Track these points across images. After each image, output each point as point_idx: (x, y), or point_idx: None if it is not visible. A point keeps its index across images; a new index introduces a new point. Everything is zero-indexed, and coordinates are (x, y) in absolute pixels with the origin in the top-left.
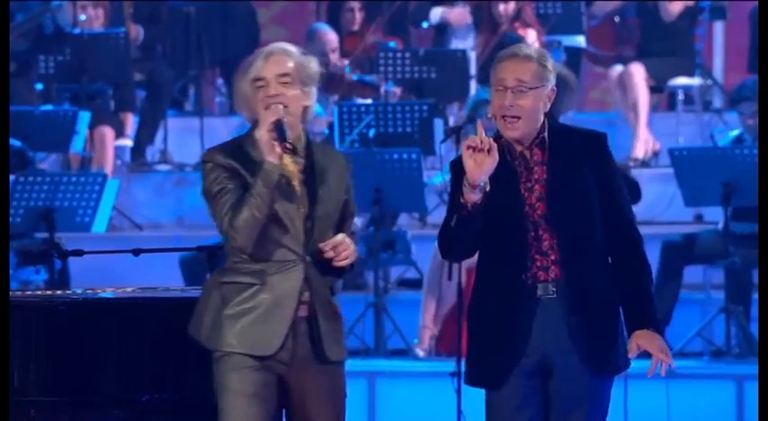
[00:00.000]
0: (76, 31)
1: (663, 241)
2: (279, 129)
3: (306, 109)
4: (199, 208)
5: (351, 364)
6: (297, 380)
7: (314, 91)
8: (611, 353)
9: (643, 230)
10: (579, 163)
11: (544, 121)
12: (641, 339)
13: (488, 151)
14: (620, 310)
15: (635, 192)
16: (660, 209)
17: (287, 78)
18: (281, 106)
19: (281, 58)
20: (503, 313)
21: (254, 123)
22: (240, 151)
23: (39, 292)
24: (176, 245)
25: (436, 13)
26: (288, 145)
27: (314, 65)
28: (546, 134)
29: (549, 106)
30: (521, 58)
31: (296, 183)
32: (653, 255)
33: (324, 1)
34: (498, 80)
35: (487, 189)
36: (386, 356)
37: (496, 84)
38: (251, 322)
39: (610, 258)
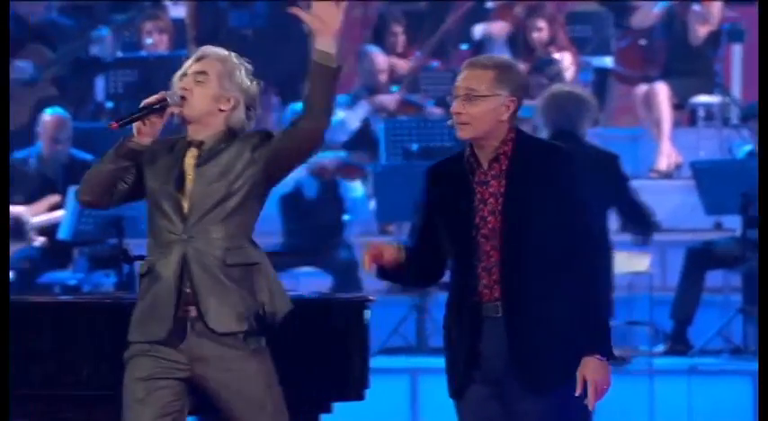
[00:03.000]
0: (143, 53)
1: (687, 248)
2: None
3: (225, 113)
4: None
5: (395, 361)
6: (204, 380)
7: (240, 103)
8: (552, 373)
9: (666, 237)
10: (538, 176)
11: (509, 132)
12: (586, 368)
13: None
14: (568, 331)
15: (644, 222)
16: (682, 217)
17: (202, 76)
18: (173, 95)
19: (208, 61)
20: (457, 332)
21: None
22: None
23: (108, 294)
24: None
25: (479, 29)
26: (114, 123)
27: (250, 82)
28: (509, 146)
29: (510, 114)
30: (476, 66)
31: (189, 172)
32: (677, 260)
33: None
34: (455, 88)
35: None
36: (427, 354)
37: (455, 91)
38: (141, 312)
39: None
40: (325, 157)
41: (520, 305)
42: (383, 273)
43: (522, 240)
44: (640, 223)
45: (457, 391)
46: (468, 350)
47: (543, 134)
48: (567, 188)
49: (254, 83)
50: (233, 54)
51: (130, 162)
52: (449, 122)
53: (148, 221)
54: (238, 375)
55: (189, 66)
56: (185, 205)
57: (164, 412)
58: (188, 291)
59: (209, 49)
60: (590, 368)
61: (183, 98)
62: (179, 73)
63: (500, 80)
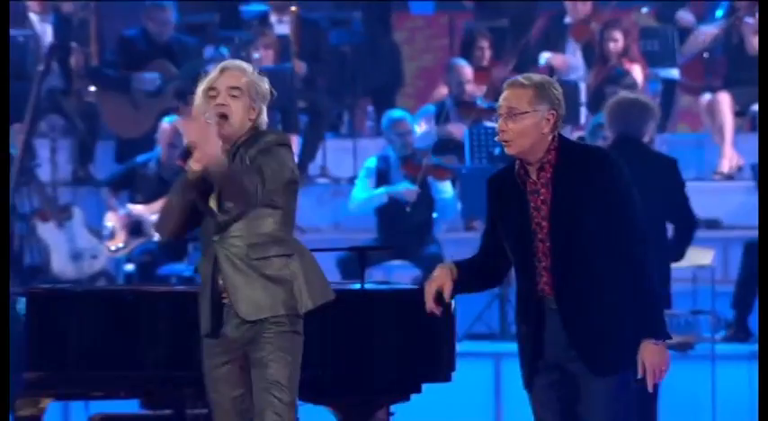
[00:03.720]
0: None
1: (745, 242)
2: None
3: (252, 122)
4: (353, 215)
5: (479, 346)
6: (246, 359)
7: (263, 108)
8: (612, 356)
9: (728, 234)
10: (581, 183)
11: (552, 142)
12: (644, 352)
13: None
14: (625, 323)
15: (688, 226)
16: (743, 215)
17: (236, 91)
18: (210, 118)
19: (235, 73)
20: (525, 322)
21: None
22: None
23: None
24: (333, 246)
25: (543, 57)
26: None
27: (265, 84)
28: (552, 155)
29: (551, 126)
30: (516, 86)
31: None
32: (736, 255)
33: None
34: (498, 107)
35: None
36: (509, 340)
37: (498, 110)
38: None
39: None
40: (412, 192)
41: (572, 298)
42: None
43: (570, 240)
44: (682, 227)
45: (527, 382)
46: (534, 341)
47: (609, 139)
48: (610, 187)
49: (265, 82)
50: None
51: (195, 192)
52: (496, 138)
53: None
54: (266, 355)
55: (215, 79)
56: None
57: (234, 390)
58: (221, 282)
59: (230, 62)
60: (648, 351)
61: (223, 116)
62: (204, 88)
63: (538, 96)
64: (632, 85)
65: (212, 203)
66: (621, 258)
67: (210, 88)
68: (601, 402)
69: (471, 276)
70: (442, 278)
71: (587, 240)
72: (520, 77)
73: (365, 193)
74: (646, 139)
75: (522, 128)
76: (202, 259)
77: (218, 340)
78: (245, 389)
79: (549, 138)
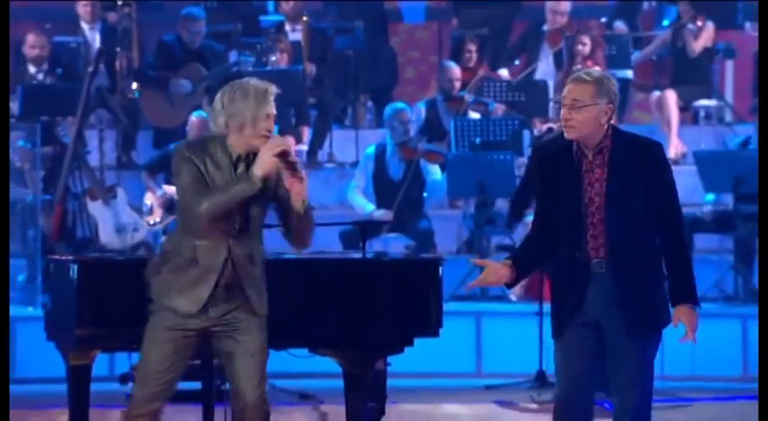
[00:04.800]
0: (268, 68)
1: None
2: (289, 159)
3: None
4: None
5: (462, 306)
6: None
7: None
8: (650, 316)
9: None
10: (634, 166)
11: (608, 130)
12: (681, 315)
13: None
14: (662, 282)
15: None
16: (687, 195)
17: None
18: (281, 139)
19: (273, 101)
20: (567, 283)
21: (223, 131)
22: (204, 150)
23: None
24: (338, 221)
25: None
26: (297, 172)
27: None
28: (608, 141)
29: (607, 118)
30: (579, 81)
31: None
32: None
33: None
34: (562, 98)
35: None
36: (489, 300)
37: (562, 100)
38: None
39: (659, 243)
40: (411, 145)
41: (621, 263)
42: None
43: (621, 214)
44: None
45: (558, 332)
46: (576, 299)
47: None
48: (656, 171)
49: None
50: None
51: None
52: (557, 126)
53: None
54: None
55: (269, 108)
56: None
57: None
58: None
59: (274, 88)
60: (685, 314)
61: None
62: (263, 113)
63: (599, 92)
64: None
65: (255, 211)
66: (664, 231)
67: (268, 114)
68: (634, 358)
69: (530, 262)
70: (498, 267)
71: (635, 215)
72: (583, 73)
73: (360, 201)
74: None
75: (585, 118)
76: (207, 249)
77: (185, 319)
78: (175, 363)
79: (605, 127)
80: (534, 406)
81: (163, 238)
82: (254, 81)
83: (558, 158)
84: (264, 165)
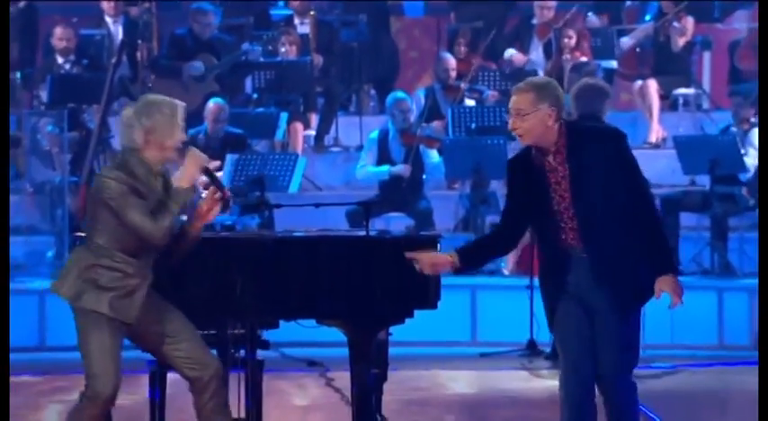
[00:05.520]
0: (278, 58)
1: (661, 197)
2: (212, 176)
3: None
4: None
5: (458, 280)
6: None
7: None
8: (629, 294)
9: (655, 191)
10: (592, 158)
11: (560, 129)
12: (663, 285)
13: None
14: (639, 261)
15: None
16: (666, 176)
17: None
18: (200, 154)
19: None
20: (552, 268)
21: (136, 150)
22: (132, 175)
23: (254, 232)
24: (344, 201)
25: (507, 53)
26: (223, 189)
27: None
28: (563, 140)
29: (553, 119)
30: (519, 90)
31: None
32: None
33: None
34: (509, 108)
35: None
36: (483, 274)
37: (509, 111)
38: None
39: (635, 223)
40: (403, 170)
41: (597, 249)
42: (459, 270)
43: (590, 205)
44: None
45: (551, 309)
46: (560, 281)
47: (574, 116)
48: (615, 156)
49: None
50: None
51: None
52: (511, 131)
53: None
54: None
55: (181, 121)
56: None
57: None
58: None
59: (182, 104)
60: (667, 282)
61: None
62: (178, 126)
63: (539, 97)
64: (593, 72)
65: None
66: (635, 212)
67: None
68: (617, 333)
69: (479, 252)
70: (434, 258)
71: (603, 201)
72: (522, 84)
73: (372, 169)
74: (604, 114)
75: (530, 125)
76: (143, 263)
77: (119, 323)
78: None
79: (556, 127)
80: (525, 372)
81: (182, 218)
82: (162, 97)
83: (524, 164)
84: (189, 176)
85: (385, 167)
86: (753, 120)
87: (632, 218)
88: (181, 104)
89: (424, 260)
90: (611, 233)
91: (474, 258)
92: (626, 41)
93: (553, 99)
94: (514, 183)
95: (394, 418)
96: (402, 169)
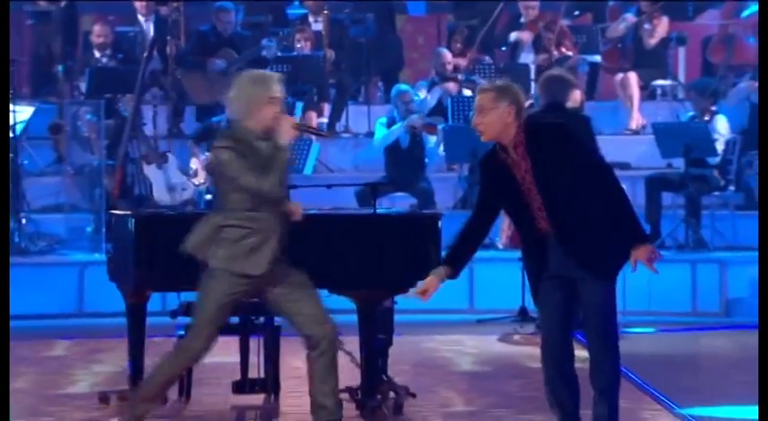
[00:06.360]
0: (294, 53)
1: (645, 178)
2: (306, 128)
3: None
4: (369, 159)
5: None
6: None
7: None
8: (602, 267)
9: (635, 173)
10: (549, 150)
11: (519, 126)
12: (637, 256)
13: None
14: (609, 238)
15: None
16: (646, 159)
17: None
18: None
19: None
20: (532, 251)
21: (240, 121)
22: (235, 139)
23: None
24: (354, 182)
25: (513, 34)
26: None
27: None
28: (521, 136)
29: (512, 117)
30: (481, 90)
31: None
32: (641, 188)
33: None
34: (474, 107)
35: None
36: (481, 248)
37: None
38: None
39: (600, 202)
40: (416, 119)
41: (567, 232)
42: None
43: (555, 193)
44: None
45: (534, 288)
46: (540, 262)
47: (542, 106)
48: (568, 148)
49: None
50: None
51: None
52: (473, 127)
53: None
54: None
55: (272, 92)
56: None
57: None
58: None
59: (275, 75)
60: (641, 251)
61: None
62: (266, 97)
63: (499, 97)
64: (572, 67)
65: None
66: (602, 192)
67: (275, 97)
68: (597, 300)
69: (464, 253)
70: (428, 285)
71: (566, 187)
72: (485, 84)
73: (385, 131)
74: (570, 105)
75: (490, 120)
76: (266, 216)
77: (248, 280)
78: (225, 317)
79: (515, 124)
80: (518, 336)
81: (207, 197)
82: (259, 73)
83: (493, 162)
84: (285, 135)
85: (397, 125)
86: (713, 108)
87: (597, 197)
88: (275, 77)
89: (420, 295)
90: (579, 216)
91: (462, 260)
92: (611, 32)
93: (512, 98)
94: (486, 181)
95: (399, 379)
96: (417, 118)
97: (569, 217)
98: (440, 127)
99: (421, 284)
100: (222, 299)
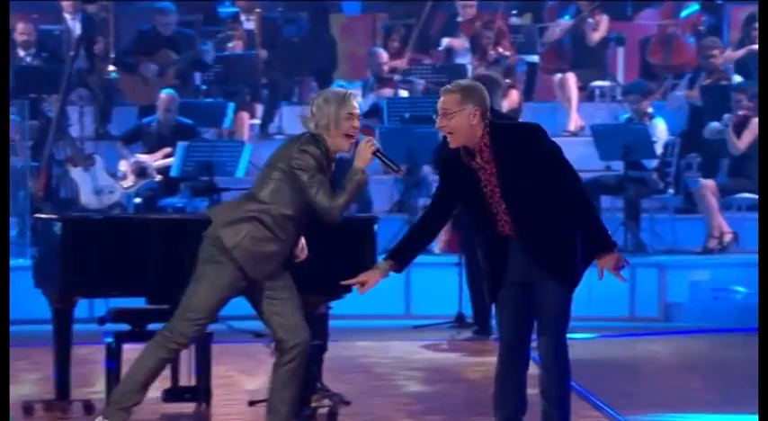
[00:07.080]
0: (226, 53)
1: (584, 180)
2: (383, 155)
3: None
4: None
5: None
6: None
7: None
8: (561, 274)
9: None
10: (515, 154)
11: (484, 128)
12: (603, 264)
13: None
14: (570, 244)
15: None
16: (584, 162)
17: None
18: (372, 139)
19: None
20: (492, 253)
21: (324, 131)
22: (323, 149)
23: (200, 214)
24: None
25: (445, 41)
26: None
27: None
28: (487, 139)
29: (477, 119)
30: (446, 91)
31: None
32: None
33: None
34: (437, 109)
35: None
36: None
37: (438, 111)
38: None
39: (565, 208)
40: None
41: (529, 236)
42: (399, 271)
43: (519, 198)
44: None
45: (492, 293)
46: (500, 266)
47: None
48: (535, 152)
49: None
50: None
51: None
52: (438, 128)
53: None
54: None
55: (349, 109)
56: None
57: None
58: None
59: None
60: (606, 260)
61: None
62: (344, 114)
63: (464, 98)
64: (510, 68)
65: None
66: (567, 198)
67: (353, 113)
68: (556, 303)
69: (411, 249)
70: (368, 277)
71: (532, 192)
72: (450, 85)
73: None
74: (507, 106)
75: (455, 123)
76: (294, 232)
77: (248, 280)
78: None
79: (481, 126)
80: (454, 343)
81: (136, 200)
82: (335, 89)
83: (454, 164)
84: (364, 158)
85: None
86: (650, 111)
87: (562, 203)
88: (352, 96)
89: (359, 284)
90: (542, 221)
91: (408, 256)
92: (552, 30)
93: (478, 100)
94: (445, 182)
95: (334, 385)
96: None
97: (533, 221)
98: (375, 129)
99: (361, 276)
100: (223, 286)
